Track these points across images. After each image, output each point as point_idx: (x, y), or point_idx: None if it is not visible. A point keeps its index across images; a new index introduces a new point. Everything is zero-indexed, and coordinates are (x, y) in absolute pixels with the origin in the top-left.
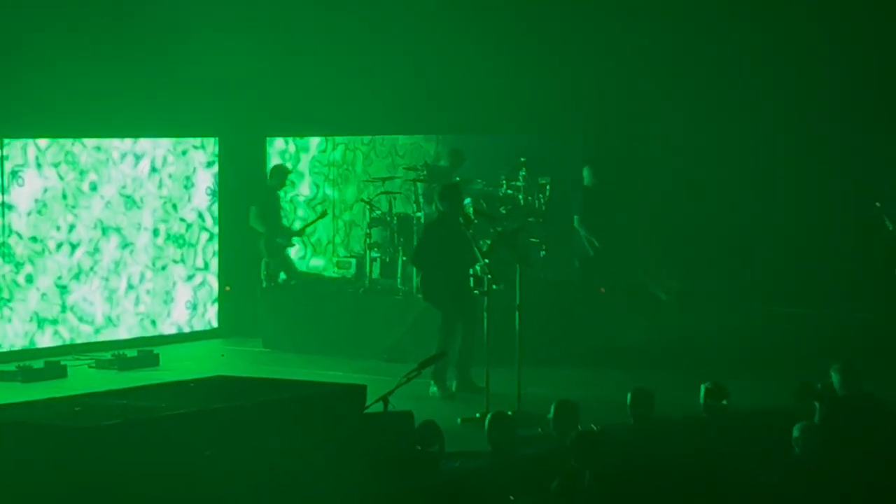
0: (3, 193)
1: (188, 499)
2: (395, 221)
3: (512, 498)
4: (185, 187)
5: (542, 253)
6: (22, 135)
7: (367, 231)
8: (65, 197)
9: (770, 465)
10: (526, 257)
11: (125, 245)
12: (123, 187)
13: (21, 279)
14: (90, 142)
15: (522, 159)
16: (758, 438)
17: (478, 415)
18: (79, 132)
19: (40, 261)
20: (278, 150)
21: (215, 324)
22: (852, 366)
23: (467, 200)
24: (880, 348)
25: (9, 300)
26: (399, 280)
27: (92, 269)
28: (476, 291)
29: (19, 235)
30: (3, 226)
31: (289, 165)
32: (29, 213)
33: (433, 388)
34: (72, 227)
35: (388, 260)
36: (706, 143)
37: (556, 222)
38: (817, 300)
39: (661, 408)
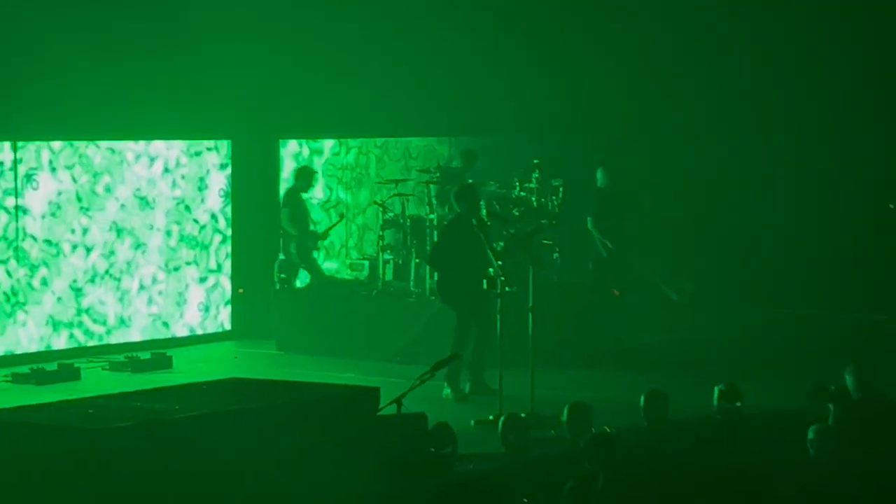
0: (16, 196)
1: (202, 500)
2: (408, 223)
3: (525, 500)
4: (199, 189)
5: (556, 255)
6: (36, 137)
7: (380, 233)
8: (79, 199)
9: (785, 467)
10: (539, 259)
11: (138, 246)
12: (138, 189)
13: (36, 282)
14: (104, 144)
15: (535, 161)
16: (772, 440)
17: (491, 417)
18: (92, 135)
19: (55, 264)
20: (292, 152)
21: (228, 326)
22: (866, 368)
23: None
24: (894, 350)
25: (24, 303)
26: (412, 282)
27: (108, 271)
28: (490, 293)
29: (34, 238)
30: (17, 229)
31: (313, 167)
32: (43, 216)
33: (447, 390)
34: (86, 231)
35: (401, 262)
36: (720, 145)
37: (569, 224)
38: (831, 302)
39: (674, 410)
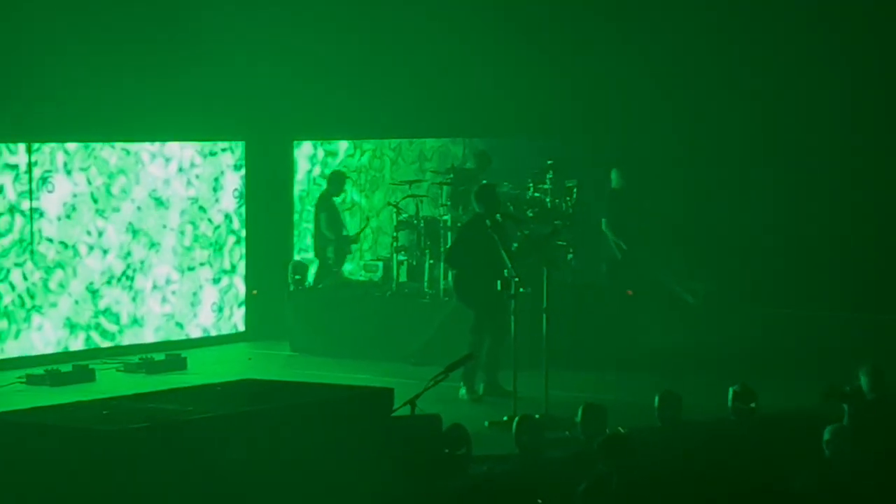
0: (31, 199)
1: (215, 502)
2: (422, 225)
3: (540, 501)
4: (213, 189)
5: (570, 256)
6: (50, 139)
7: (394, 234)
8: (95, 201)
9: (800, 468)
10: (553, 260)
11: (152, 245)
12: (153, 190)
13: (53, 285)
14: (118, 145)
15: (549, 162)
16: (787, 441)
17: (505, 418)
18: (107, 136)
19: (71, 266)
20: (307, 155)
21: (241, 327)
22: (881, 369)
23: None
24: None
25: (40, 307)
26: (426, 283)
27: (125, 273)
28: (504, 294)
29: (50, 241)
30: (32, 231)
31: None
32: (59, 219)
33: (462, 390)
34: (101, 233)
35: (414, 263)
36: (733, 146)
37: (583, 225)
38: (845, 303)
39: (688, 411)
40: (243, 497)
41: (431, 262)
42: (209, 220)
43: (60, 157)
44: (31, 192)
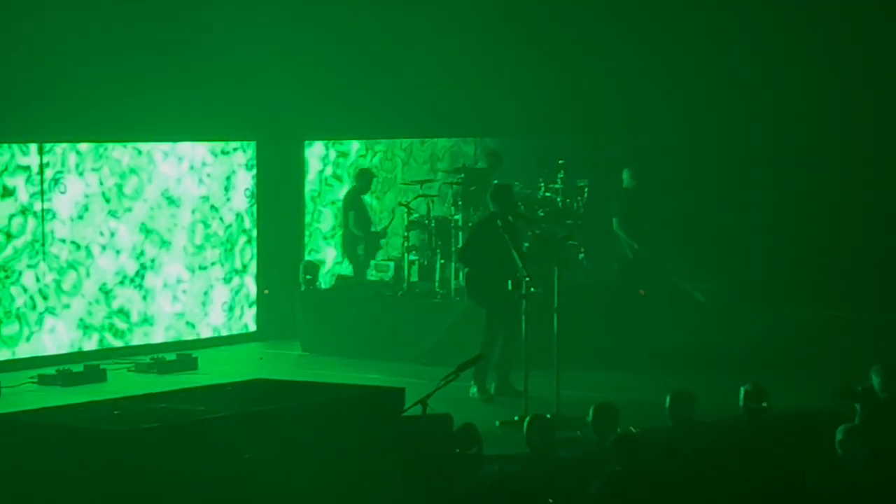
0: (42, 200)
1: (226, 502)
2: (433, 224)
3: (551, 501)
4: (225, 189)
5: (581, 256)
6: (62, 139)
7: (405, 234)
8: (108, 201)
9: (812, 468)
10: (564, 260)
11: (163, 244)
12: (166, 190)
13: (66, 286)
14: (130, 144)
15: (561, 162)
16: (799, 440)
17: (516, 418)
18: (118, 136)
19: (84, 266)
20: (319, 155)
21: (252, 326)
22: (893, 368)
23: None
24: None
25: (53, 309)
26: (437, 283)
27: (138, 273)
28: (515, 294)
29: (63, 241)
30: (44, 233)
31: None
32: (72, 219)
33: (473, 389)
34: (113, 233)
35: (426, 263)
36: (745, 146)
37: (594, 225)
38: (856, 302)
39: (700, 410)
40: (254, 497)
41: (442, 261)
42: (220, 220)
43: (72, 158)
44: (42, 193)
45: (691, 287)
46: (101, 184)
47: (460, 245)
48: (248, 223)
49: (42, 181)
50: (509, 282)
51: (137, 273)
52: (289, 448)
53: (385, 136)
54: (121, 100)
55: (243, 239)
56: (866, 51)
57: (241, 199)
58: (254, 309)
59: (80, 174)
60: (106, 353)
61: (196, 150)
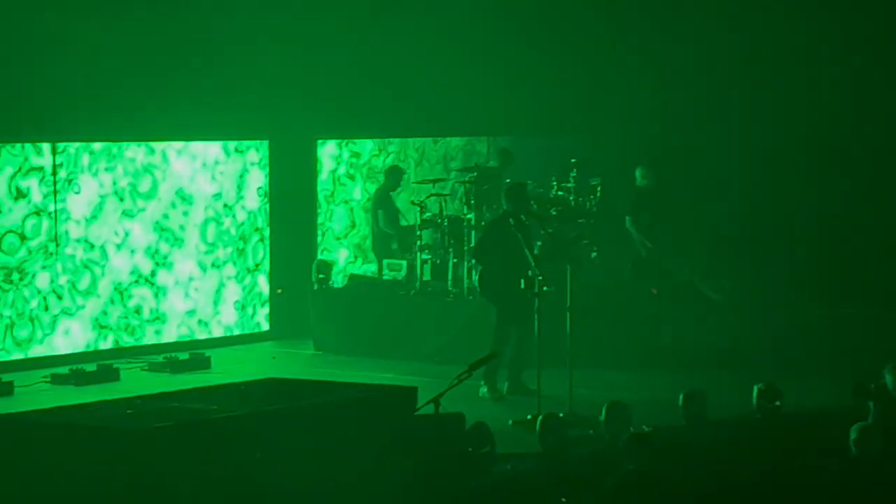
0: (55, 201)
1: (239, 500)
2: (445, 223)
3: (563, 500)
4: (238, 187)
5: (594, 254)
6: (75, 138)
7: (418, 233)
8: (121, 200)
9: (826, 466)
10: (577, 259)
11: (176, 242)
12: (179, 188)
13: (81, 286)
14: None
15: (573, 160)
16: (812, 439)
17: (529, 416)
18: (131, 136)
19: (99, 266)
20: (331, 154)
21: (265, 325)
22: None
23: None
24: None
25: (69, 310)
26: (450, 282)
27: (153, 272)
28: (528, 293)
29: (77, 242)
30: (58, 234)
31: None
32: (86, 220)
33: (483, 389)
34: (127, 233)
35: (438, 262)
36: (758, 143)
37: (607, 224)
38: (870, 300)
39: (713, 409)
40: (267, 495)
41: (455, 260)
42: (233, 218)
43: (86, 158)
44: (55, 193)
45: (704, 285)
46: (115, 183)
47: (473, 244)
48: (260, 222)
49: (55, 182)
50: (522, 280)
51: (152, 272)
52: (301, 447)
53: (397, 136)
54: (134, 99)
55: (256, 238)
56: (886, 45)
57: (253, 197)
58: (266, 308)
59: (94, 174)
60: (119, 352)
61: (209, 148)
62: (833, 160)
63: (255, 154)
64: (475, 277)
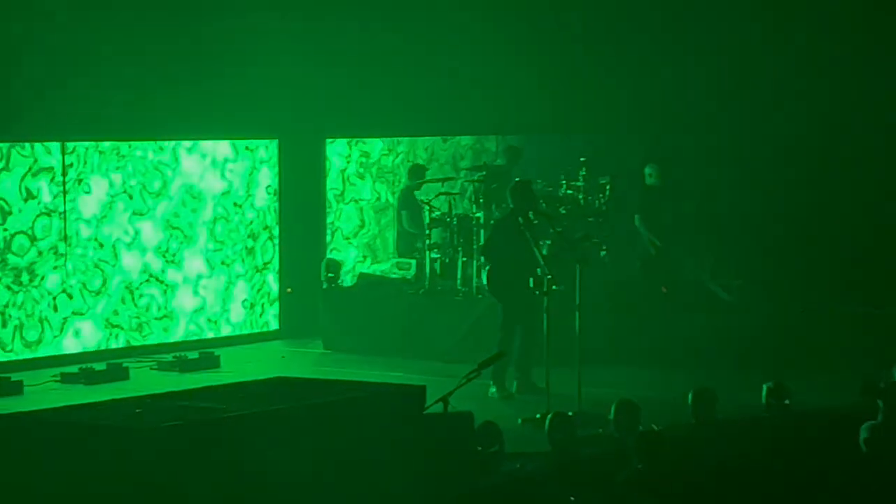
0: (65, 200)
1: (248, 500)
2: (454, 222)
3: (573, 498)
4: (247, 186)
5: (603, 253)
6: (85, 137)
7: (427, 232)
8: (131, 199)
9: (836, 465)
10: (586, 257)
11: (185, 240)
12: (189, 186)
13: (92, 286)
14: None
15: (582, 159)
16: (822, 438)
17: (538, 415)
18: (140, 134)
19: (109, 266)
20: (341, 153)
21: (274, 324)
22: None
23: None
24: None
25: (80, 310)
26: (459, 281)
27: (163, 270)
28: (536, 292)
29: (88, 241)
30: (68, 234)
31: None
32: (96, 219)
33: (492, 389)
34: (138, 232)
35: (447, 261)
36: (769, 142)
37: (616, 222)
38: (879, 298)
39: (722, 408)
40: (276, 495)
41: (464, 259)
42: (242, 217)
43: (95, 158)
44: (64, 193)
45: (714, 284)
46: (125, 182)
47: (482, 242)
48: (270, 221)
49: (65, 182)
50: (531, 279)
51: (162, 270)
52: (310, 446)
53: (407, 134)
54: (143, 98)
55: (265, 237)
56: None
57: (263, 196)
58: (276, 307)
59: (104, 173)
60: (128, 351)
61: (218, 146)
62: (844, 159)
63: (265, 153)
64: (484, 276)
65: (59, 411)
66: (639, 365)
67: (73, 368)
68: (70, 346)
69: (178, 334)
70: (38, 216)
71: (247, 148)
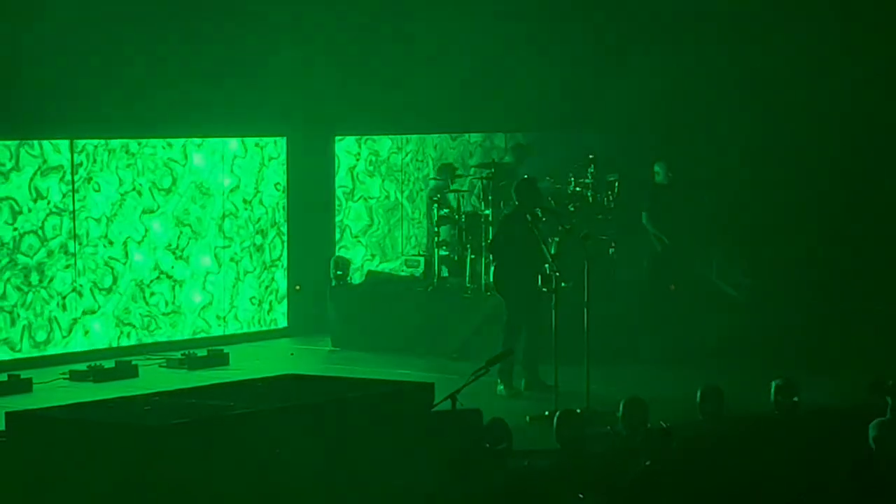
0: (74, 199)
1: (258, 497)
2: (463, 219)
3: (581, 496)
4: (256, 183)
5: (611, 250)
6: (93, 135)
7: (436, 229)
8: (140, 197)
9: (845, 462)
10: (594, 255)
11: (193, 237)
12: (198, 183)
13: (102, 284)
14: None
15: (591, 156)
16: (830, 436)
17: (546, 413)
18: (149, 132)
19: (120, 264)
20: (349, 151)
21: (284, 322)
22: None
23: None
24: None
25: (90, 309)
26: (467, 278)
27: (172, 268)
28: (544, 290)
29: (98, 240)
30: (77, 233)
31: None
32: (106, 217)
33: (500, 387)
34: (148, 230)
35: (456, 258)
36: (778, 139)
37: (624, 220)
38: (888, 296)
39: (731, 405)
40: (284, 492)
41: (473, 257)
42: (251, 215)
43: (104, 157)
44: (73, 192)
45: (723, 281)
46: (134, 180)
47: (490, 239)
48: (278, 219)
49: (73, 181)
50: (538, 276)
51: (172, 268)
52: (319, 443)
53: (415, 132)
54: (152, 96)
55: (274, 234)
56: None
57: (271, 194)
58: (284, 304)
59: (113, 171)
60: (137, 348)
61: (227, 143)
62: (854, 156)
63: (273, 150)
64: (490, 273)
65: (68, 409)
66: (647, 362)
67: (82, 366)
68: (81, 345)
69: (185, 330)
70: (48, 215)
71: (256, 145)
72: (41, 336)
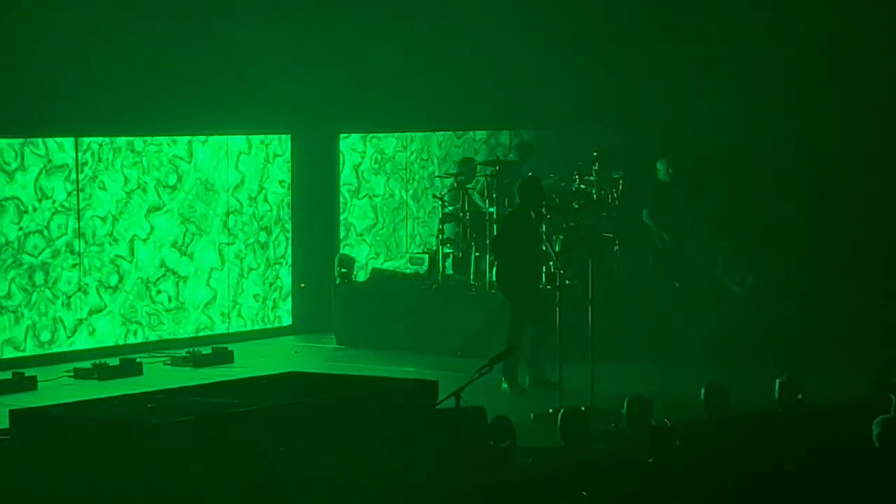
0: (79, 198)
1: (262, 495)
2: (467, 217)
3: (585, 493)
4: (261, 181)
5: (616, 248)
6: (98, 133)
7: (440, 227)
8: (146, 194)
9: (849, 460)
10: (598, 252)
11: (199, 234)
12: (203, 180)
13: (108, 282)
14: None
15: (595, 154)
16: (834, 433)
17: (550, 410)
18: (154, 129)
19: (125, 262)
20: (354, 149)
21: (288, 320)
22: None
23: None
24: None
25: (97, 307)
26: (472, 276)
27: (178, 265)
28: (548, 287)
29: (103, 237)
30: (83, 232)
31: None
32: (111, 215)
33: (504, 385)
34: (153, 228)
35: (460, 256)
36: (781, 136)
37: (629, 217)
38: (892, 293)
39: (735, 403)
40: (289, 490)
41: (477, 254)
42: (256, 213)
43: (109, 154)
44: (78, 191)
45: (727, 279)
46: (139, 178)
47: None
48: (283, 216)
49: (78, 180)
50: (542, 274)
51: (177, 265)
52: (323, 441)
53: (420, 130)
54: (157, 93)
55: (278, 232)
56: None
57: (276, 192)
58: (289, 302)
59: (118, 169)
60: (142, 346)
61: (232, 140)
62: (857, 152)
63: (278, 146)
64: (494, 271)
65: (73, 407)
66: (651, 360)
67: (87, 364)
68: (88, 341)
69: (188, 327)
70: (53, 214)
71: (262, 142)
72: (45, 336)
